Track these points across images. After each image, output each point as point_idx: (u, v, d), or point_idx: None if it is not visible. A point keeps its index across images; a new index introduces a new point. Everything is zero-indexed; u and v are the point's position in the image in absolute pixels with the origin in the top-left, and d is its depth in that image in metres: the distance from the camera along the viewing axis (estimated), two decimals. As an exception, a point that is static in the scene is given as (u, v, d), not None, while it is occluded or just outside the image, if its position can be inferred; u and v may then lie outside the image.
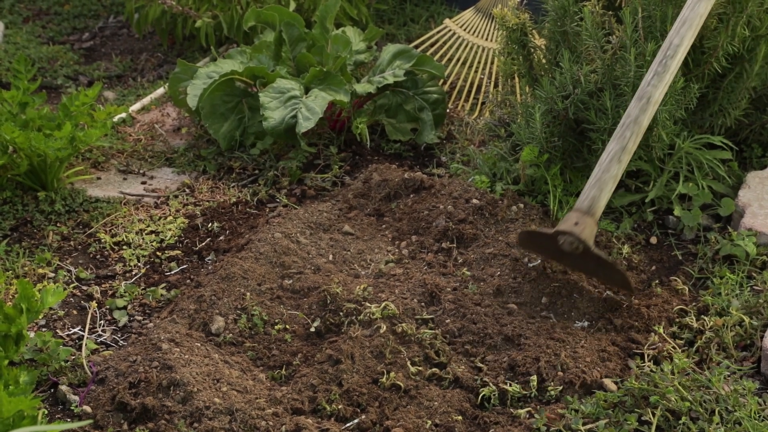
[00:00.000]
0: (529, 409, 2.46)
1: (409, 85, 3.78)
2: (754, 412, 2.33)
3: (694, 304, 2.79)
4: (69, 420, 2.46)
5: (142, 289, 2.99)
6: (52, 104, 4.23)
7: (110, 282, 3.03)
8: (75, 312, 2.89)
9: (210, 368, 2.53)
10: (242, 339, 2.69)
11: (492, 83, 4.03)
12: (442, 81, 4.03)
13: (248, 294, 2.79)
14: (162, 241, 3.23)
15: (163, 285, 3.00)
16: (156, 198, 3.47)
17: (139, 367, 2.51)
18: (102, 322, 2.85)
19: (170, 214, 3.37)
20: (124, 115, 3.97)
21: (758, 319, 2.65)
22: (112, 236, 3.24)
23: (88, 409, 2.46)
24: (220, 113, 3.65)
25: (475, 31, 4.18)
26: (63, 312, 2.88)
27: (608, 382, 2.49)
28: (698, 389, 2.40)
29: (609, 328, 2.73)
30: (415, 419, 2.41)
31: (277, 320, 2.74)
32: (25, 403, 2.15)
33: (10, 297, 2.90)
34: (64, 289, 2.93)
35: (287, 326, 2.73)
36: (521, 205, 3.16)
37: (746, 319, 2.64)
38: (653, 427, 2.33)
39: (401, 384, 2.50)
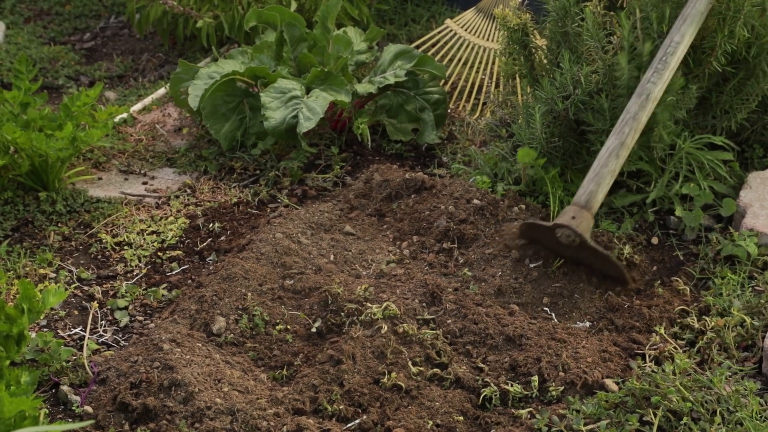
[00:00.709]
0: (531, 409, 2.46)
1: (410, 86, 3.78)
2: (756, 413, 2.33)
3: (695, 304, 2.79)
4: (70, 420, 2.46)
5: (144, 290, 2.99)
6: (54, 104, 4.24)
7: (111, 282, 3.03)
8: (76, 312, 2.89)
9: (211, 368, 2.53)
10: (243, 339, 2.69)
11: (493, 83, 4.03)
12: (443, 81, 4.03)
13: (249, 294, 2.79)
14: (163, 241, 3.23)
15: (165, 285, 3.00)
16: (157, 198, 3.48)
17: (141, 368, 2.51)
18: (103, 322, 2.85)
19: (171, 215, 3.37)
20: (125, 115, 3.97)
21: (760, 320, 2.65)
22: (114, 236, 3.24)
23: (89, 409, 2.47)
24: (222, 113, 3.65)
25: (476, 32, 4.18)
26: (64, 312, 2.88)
27: (609, 383, 2.49)
28: (699, 390, 2.40)
29: (610, 328, 2.73)
30: (417, 419, 2.41)
31: (278, 320, 2.74)
32: (26, 404, 2.15)
33: (12, 297, 2.90)
34: (66, 289, 2.93)
35: (288, 326, 2.73)
36: (522, 206, 3.16)
37: (747, 320, 2.64)
38: (654, 428, 2.33)
39: (402, 384, 2.50)
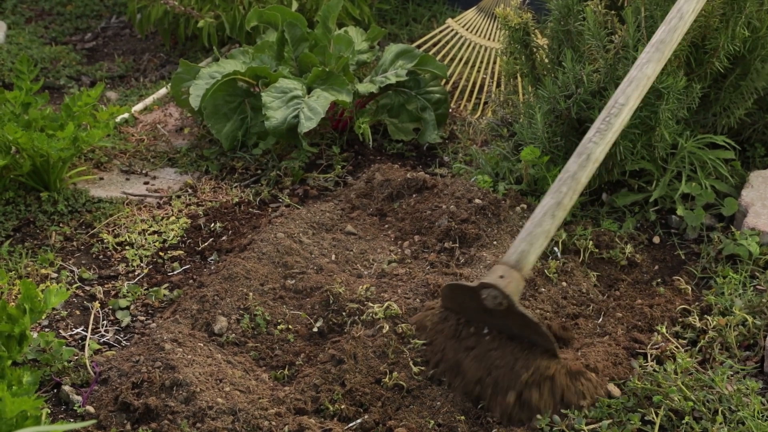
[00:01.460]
0: (532, 408, 2.45)
1: (411, 85, 3.78)
2: (758, 412, 2.33)
3: (697, 303, 2.79)
4: (72, 420, 2.46)
5: (145, 290, 2.99)
6: (55, 105, 4.24)
7: (113, 282, 3.03)
8: (78, 312, 2.89)
9: (213, 368, 2.53)
10: (245, 339, 2.69)
11: (494, 83, 4.03)
12: (444, 81, 4.03)
13: (251, 294, 2.79)
14: (165, 241, 3.23)
15: (166, 285, 3.00)
16: (158, 198, 3.48)
17: (142, 368, 2.51)
18: (105, 322, 2.85)
19: (173, 215, 3.37)
20: (126, 115, 3.97)
21: (761, 319, 2.65)
22: (115, 236, 3.24)
23: (91, 409, 2.47)
24: (223, 113, 3.65)
25: (477, 31, 4.18)
26: (66, 312, 2.88)
27: (612, 387, 2.48)
28: (701, 389, 2.40)
29: (613, 326, 2.72)
30: (418, 419, 2.41)
31: (279, 320, 2.74)
32: (28, 404, 2.15)
33: (13, 297, 2.90)
34: (67, 289, 2.93)
35: (290, 326, 2.73)
36: (524, 205, 3.16)
37: (749, 319, 2.64)
38: (656, 427, 2.33)
39: (404, 384, 2.49)
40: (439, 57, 4.14)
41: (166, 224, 3.30)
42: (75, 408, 2.48)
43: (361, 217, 3.22)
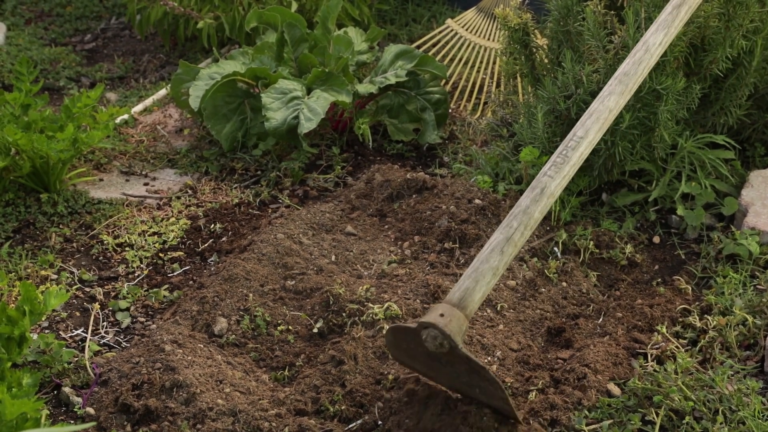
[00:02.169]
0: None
1: (411, 86, 3.77)
2: (758, 412, 2.33)
3: (697, 303, 2.79)
4: (72, 422, 2.46)
5: (145, 291, 2.99)
6: (55, 106, 4.24)
7: (113, 283, 3.03)
8: (78, 314, 2.89)
9: (213, 369, 2.53)
10: (245, 340, 2.69)
11: (494, 83, 4.03)
12: (444, 81, 4.03)
13: (251, 295, 2.79)
14: (164, 242, 3.23)
15: (166, 286, 3.00)
16: (158, 199, 3.48)
17: (142, 369, 2.51)
18: (105, 323, 2.85)
19: (173, 216, 3.37)
20: (126, 116, 3.97)
21: (762, 318, 2.65)
22: (115, 238, 3.24)
23: (91, 410, 2.46)
24: (222, 114, 3.65)
25: (477, 31, 4.18)
26: (66, 314, 2.88)
27: (612, 387, 2.48)
28: (702, 389, 2.40)
29: (613, 326, 2.72)
30: (419, 420, 2.40)
31: (279, 321, 2.74)
32: (28, 405, 2.15)
33: (13, 299, 2.90)
34: (67, 290, 2.93)
35: (290, 327, 2.72)
36: (524, 205, 3.16)
37: (750, 319, 2.64)
38: (657, 427, 2.32)
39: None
40: (438, 57, 4.14)
41: (166, 225, 3.30)
42: (75, 409, 2.48)
43: (361, 217, 3.22)
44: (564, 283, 2.88)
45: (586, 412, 2.37)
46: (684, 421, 2.32)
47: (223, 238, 3.23)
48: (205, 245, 3.21)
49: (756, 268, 2.89)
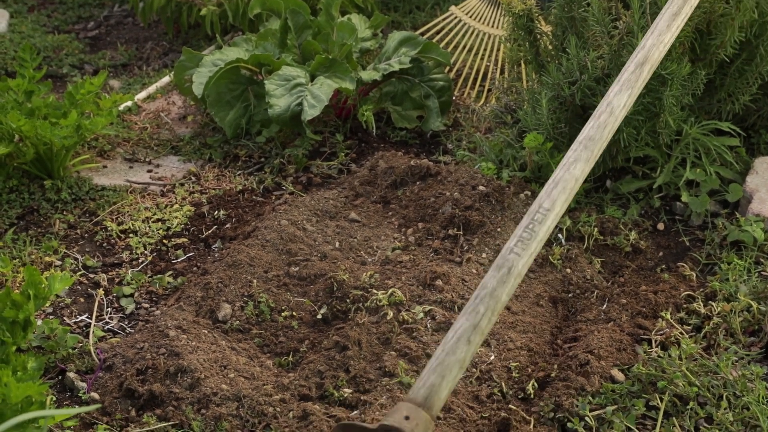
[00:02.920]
0: (537, 394, 2.45)
1: (414, 73, 3.77)
2: (762, 397, 2.33)
3: (701, 289, 2.78)
4: (77, 407, 2.46)
5: (149, 277, 2.99)
6: (58, 93, 4.23)
7: (117, 270, 3.03)
8: (82, 300, 2.89)
9: (217, 355, 2.53)
10: (249, 326, 2.69)
11: (498, 70, 4.02)
12: (448, 68, 4.02)
13: (255, 281, 2.79)
14: (168, 228, 3.23)
15: (170, 272, 3.00)
16: (162, 186, 3.47)
17: (147, 354, 2.51)
18: (109, 309, 2.86)
19: (176, 202, 3.37)
20: (129, 103, 3.97)
21: (766, 305, 2.65)
22: (119, 224, 3.24)
23: (95, 395, 2.47)
24: (226, 101, 3.65)
25: (481, 18, 4.16)
26: (70, 300, 2.88)
27: (616, 372, 2.48)
28: (706, 374, 2.40)
29: (617, 312, 2.72)
30: (423, 405, 2.40)
31: (283, 307, 2.74)
32: (33, 389, 2.15)
33: (18, 285, 2.90)
34: (71, 276, 2.93)
35: (294, 313, 2.72)
36: (528, 192, 3.16)
37: (754, 305, 2.64)
38: (661, 413, 2.32)
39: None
40: (442, 44, 4.12)
41: (170, 212, 3.30)
42: (80, 394, 2.48)
43: (364, 204, 3.22)
44: (568, 270, 2.88)
45: (590, 398, 2.37)
46: (688, 407, 2.32)
47: (227, 225, 3.23)
48: (209, 232, 3.21)
49: (760, 254, 2.88)
